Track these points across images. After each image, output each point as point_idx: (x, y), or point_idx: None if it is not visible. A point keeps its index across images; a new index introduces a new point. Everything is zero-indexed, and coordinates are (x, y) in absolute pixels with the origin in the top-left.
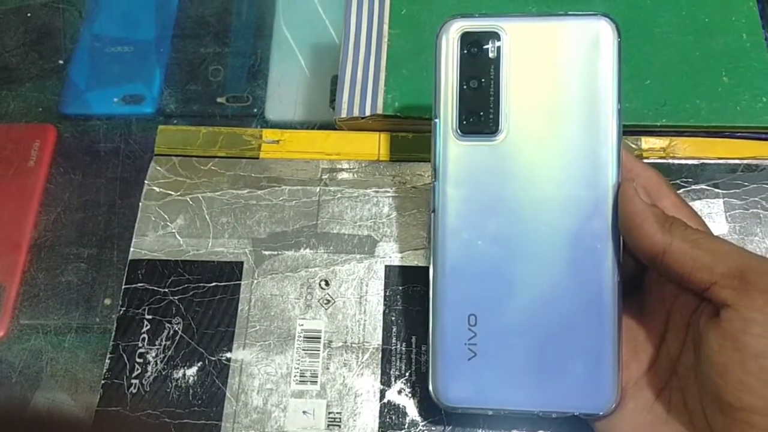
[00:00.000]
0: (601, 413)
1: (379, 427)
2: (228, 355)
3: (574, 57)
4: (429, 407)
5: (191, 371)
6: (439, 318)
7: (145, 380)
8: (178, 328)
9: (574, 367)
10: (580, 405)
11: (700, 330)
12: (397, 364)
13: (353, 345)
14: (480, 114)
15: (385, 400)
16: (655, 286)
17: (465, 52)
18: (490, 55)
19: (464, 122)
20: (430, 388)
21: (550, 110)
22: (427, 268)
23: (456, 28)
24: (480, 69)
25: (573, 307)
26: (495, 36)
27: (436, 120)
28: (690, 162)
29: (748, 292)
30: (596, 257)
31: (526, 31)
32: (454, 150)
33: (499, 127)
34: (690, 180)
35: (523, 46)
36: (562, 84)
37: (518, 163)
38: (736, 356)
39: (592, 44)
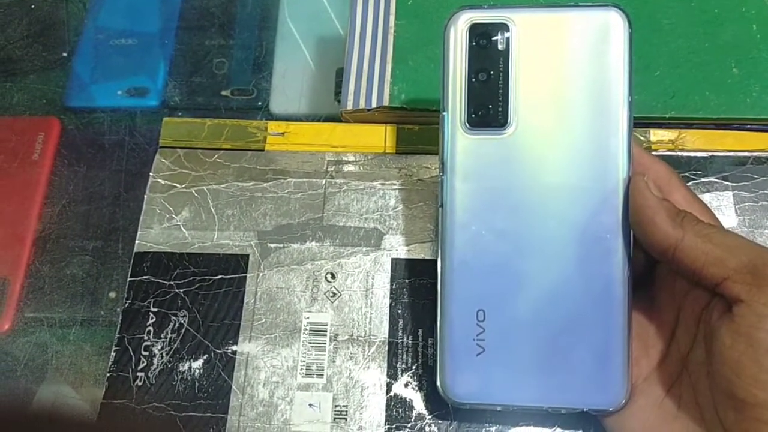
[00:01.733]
0: (610, 409)
1: (386, 421)
2: (234, 347)
3: (584, 48)
4: (436, 400)
5: (197, 364)
6: (447, 313)
7: (151, 373)
8: (184, 321)
9: (583, 363)
10: (590, 401)
11: (712, 325)
12: (404, 357)
13: (359, 338)
14: (489, 107)
15: (392, 394)
16: (665, 280)
17: (473, 44)
18: (499, 47)
19: (473, 115)
20: (438, 383)
21: (559, 103)
22: (433, 261)
23: (464, 20)
24: (489, 61)
25: (582, 302)
26: (504, 27)
27: (444, 113)
28: (699, 154)
29: (761, 287)
30: (606, 251)
31: (536, 23)
32: (462, 143)
33: (508, 121)
34: (699, 172)
35: (533, 38)
36: (572, 76)
37: (527, 156)
38: (750, 352)
39: (602, 35)
